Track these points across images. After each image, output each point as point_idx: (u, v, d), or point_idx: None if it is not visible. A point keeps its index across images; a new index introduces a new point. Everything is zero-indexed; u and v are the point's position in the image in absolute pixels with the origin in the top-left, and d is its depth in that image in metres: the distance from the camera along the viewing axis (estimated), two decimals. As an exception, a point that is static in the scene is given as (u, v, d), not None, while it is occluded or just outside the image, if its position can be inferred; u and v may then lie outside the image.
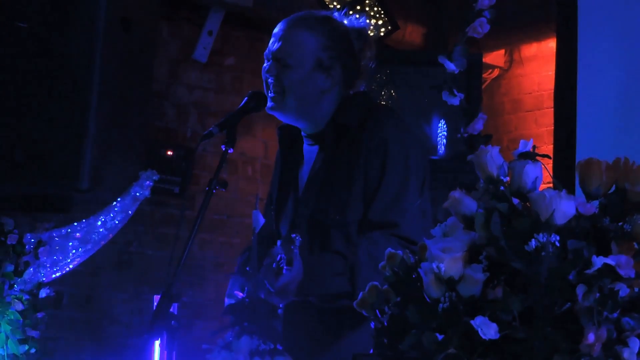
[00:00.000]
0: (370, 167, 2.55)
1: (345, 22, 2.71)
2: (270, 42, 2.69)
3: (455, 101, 3.11)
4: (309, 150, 2.73)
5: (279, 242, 2.44)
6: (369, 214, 2.54)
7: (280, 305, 2.63)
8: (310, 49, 2.64)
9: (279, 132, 2.83)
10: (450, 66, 3.05)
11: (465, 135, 3.13)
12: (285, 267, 2.38)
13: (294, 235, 2.39)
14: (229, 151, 2.47)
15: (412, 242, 2.46)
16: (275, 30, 2.69)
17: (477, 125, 3.07)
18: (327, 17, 2.73)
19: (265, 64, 2.68)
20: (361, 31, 2.72)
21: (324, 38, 2.66)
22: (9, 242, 3.58)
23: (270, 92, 2.66)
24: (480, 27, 3.00)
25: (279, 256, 2.38)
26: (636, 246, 1.52)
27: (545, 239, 1.49)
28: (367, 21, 2.76)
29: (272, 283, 2.41)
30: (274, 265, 2.41)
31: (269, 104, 2.66)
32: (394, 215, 2.51)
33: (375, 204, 2.53)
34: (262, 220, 2.25)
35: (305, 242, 2.57)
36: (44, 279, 3.63)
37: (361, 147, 2.58)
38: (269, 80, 2.66)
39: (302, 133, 2.75)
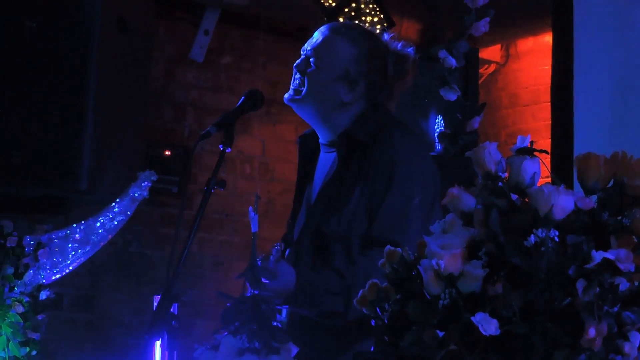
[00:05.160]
0: (377, 183, 2.54)
1: (390, 45, 2.71)
2: (309, 40, 2.71)
3: (452, 96, 3.12)
4: (325, 159, 2.73)
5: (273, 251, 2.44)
6: (371, 231, 2.53)
7: (283, 315, 2.64)
8: (341, 57, 2.66)
9: (299, 140, 2.84)
10: (452, 61, 3.06)
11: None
12: (262, 279, 2.36)
13: (277, 245, 2.39)
14: (226, 150, 2.47)
15: None
16: (317, 31, 2.72)
17: (474, 125, 3.08)
18: (370, 34, 2.74)
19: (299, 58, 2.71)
20: (402, 57, 2.70)
21: (358, 51, 2.66)
22: (8, 245, 3.57)
23: (293, 85, 2.68)
24: (484, 27, 3.01)
25: (258, 264, 2.38)
26: (635, 240, 1.52)
27: (544, 234, 1.49)
28: (413, 50, 2.75)
29: (255, 287, 2.40)
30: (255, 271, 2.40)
31: (287, 94, 2.68)
32: (395, 233, 2.48)
33: (378, 221, 2.52)
34: (252, 216, 2.25)
35: (310, 252, 2.59)
36: (44, 280, 3.62)
37: (370, 162, 2.57)
38: (296, 74, 2.68)
39: (320, 140, 2.75)
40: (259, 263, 2.37)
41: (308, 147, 2.80)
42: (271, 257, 2.37)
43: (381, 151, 2.57)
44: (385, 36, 2.74)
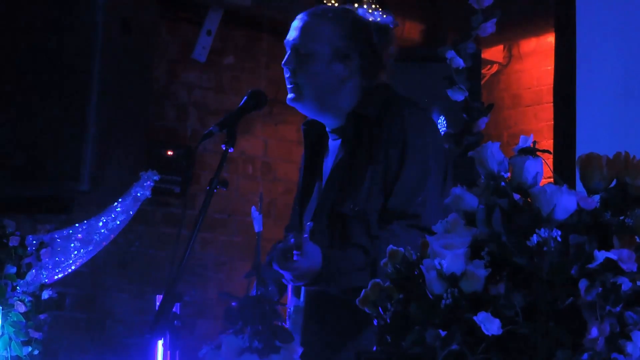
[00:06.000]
0: (390, 158, 2.56)
1: (368, 16, 2.73)
2: (289, 33, 2.70)
3: (460, 97, 3.11)
4: (334, 146, 2.74)
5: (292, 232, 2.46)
6: (388, 205, 2.54)
7: (301, 300, 2.65)
8: (327, 38, 2.66)
9: (303, 127, 2.83)
10: (459, 61, 3.05)
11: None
12: (295, 252, 2.39)
13: (307, 223, 2.40)
14: (229, 150, 2.47)
15: (433, 233, 2.46)
16: (295, 21, 2.71)
17: (481, 126, 3.07)
18: (346, 10, 2.76)
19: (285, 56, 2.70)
20: (383, 26, 2.72)
21: (341, 27, 2.67)
22: (10, 244, 3.57)
23: (289, 84, 2.67)
24: (491, 28, 3.01)
25: (290, 241, 2.40)
26: (638, 240, 1.52)
27: (546, 234, 1.49)
28: (392, 18, 2.77)
29: (284, 266, 2.43)
30: (285, 249, 2.43)
31: (288, 96, 2.68)
32: (414, 206, 2.51)
33: (395, 195, 2.53)
34: (257, 216, 2.25)
35: (325, 233, 2.59)
36: (46, 280, 3.63)
37: (381, 138, 2.58)
38: (286, 72, 2.67)
39: (327, 129, 2.75)
40: (291, 239, 2.38)
41: (313, 134, 2.80)
42: (304, 234, 2.38)
43: (391, 126, 2.58)
44: (360, 11, 2.75)
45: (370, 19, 2.73)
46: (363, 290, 1.79)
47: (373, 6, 5.22)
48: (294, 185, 2.88)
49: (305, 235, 2.39)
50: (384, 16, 2.76)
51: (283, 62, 2.69)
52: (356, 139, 2.64)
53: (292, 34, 2.69)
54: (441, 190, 2.57)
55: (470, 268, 1.54)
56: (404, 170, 2.54)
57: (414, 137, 2.56)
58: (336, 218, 2.60)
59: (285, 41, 2.71)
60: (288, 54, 2.69)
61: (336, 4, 5.12)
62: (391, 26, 2.76)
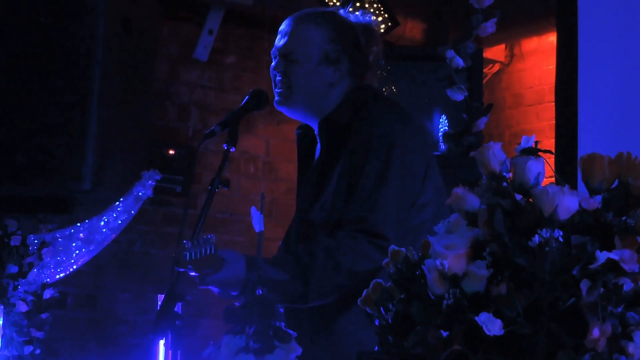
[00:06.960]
0: (354, 164, 2.52)
1: (351, 18, 2.72)
2: (277, 39, 2.70)
3: (459, 97, 3.11)
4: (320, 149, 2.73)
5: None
6: (345, 210, 2.49)
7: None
8: (315, 42, 2.65)
9: (297, 132, 2.82)
10: (459, 61, 3.05)
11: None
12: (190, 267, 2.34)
13: (210, 235, 2.35)
14: (231, 150, 2.48)
15: (382, 236, 2.41)
16: (281, 27, 2.71)
17: (480, 126, 3.07)
18: (332, 12, 2.75)
19: (273, 62, 2.69)
20: (367, 26, 2.71)
21: (329, 31, 2.66)
22: (12, 244, 3.58)
23: (278, 88, 2.67)
24: (491, 27, 3.01)
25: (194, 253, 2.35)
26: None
27: (548, 234, 1.49)
28: (373, 18, 2.76)
29: (204, 281, 2.39)
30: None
31: (276, 98, 2.67)
32: (363, 209, 2.45)
33: (349, 199, 2.49)
34: (257, 216, 2.25)
35: (296, 242, 2.58)
36: (47, 279, 3.63)
37: (348, 143, 2.56)
38: (277, 77, 2.67)
39: (316, 132, 2.74)
40: (187, 255, 2.32)
41: (306, 139, 2.79)
42: (211, 244, 2.34)
43: (359, 130, 2.55)
44: (342, 12, 2.74)
45: (352, 18, 2.72)
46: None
47: (375, 5, 5.23)
48: (296, 185, 2.89)
49: (209, 247, 2.34)
50: (365, 16, 2.74)
51: (272, 67, 2.68)
52: (330, 145, 2.62)
53: (281, 40, 2.68)
54: (403, 193, 2.50)
55: (472, 268, 1.54)
56: (363, 174, 2.48)
57: (378, 140, 2.51)
58: (305, 227, 2.58)
59: (272, 50, 2.70)
60: (277, 59, 2.68)
61: (337, 4, 5.13)
62: (374, 25, 2.75)
